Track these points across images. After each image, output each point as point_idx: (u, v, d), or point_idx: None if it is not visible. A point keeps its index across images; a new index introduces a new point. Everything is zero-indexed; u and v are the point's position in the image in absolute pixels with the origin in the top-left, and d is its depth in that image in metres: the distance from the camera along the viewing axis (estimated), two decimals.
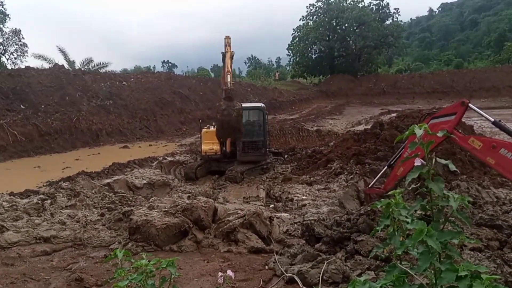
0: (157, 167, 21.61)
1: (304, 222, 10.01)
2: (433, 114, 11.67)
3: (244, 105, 20.50)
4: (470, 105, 10.09)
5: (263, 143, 20.69)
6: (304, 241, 9.12)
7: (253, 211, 10.36)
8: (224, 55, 19.01)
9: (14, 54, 59.90)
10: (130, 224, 10.07)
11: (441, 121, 10.61)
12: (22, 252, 9.75)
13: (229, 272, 5.50)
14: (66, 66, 46.99)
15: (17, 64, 58.13)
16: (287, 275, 7.42)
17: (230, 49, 19.16)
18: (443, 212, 3.74)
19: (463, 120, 21.22)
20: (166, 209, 10.10)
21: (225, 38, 19.25)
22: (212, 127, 20.17)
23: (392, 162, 12.17)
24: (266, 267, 8.27)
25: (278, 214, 12.85)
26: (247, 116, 20.55)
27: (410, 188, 4.00)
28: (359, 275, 6.77)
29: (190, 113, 46.18)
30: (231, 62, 19.43)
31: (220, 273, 5.65)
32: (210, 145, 19.87)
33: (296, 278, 7.13)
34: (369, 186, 13.49)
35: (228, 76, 18.79)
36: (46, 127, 31.22)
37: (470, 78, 69.72)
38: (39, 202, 12.95)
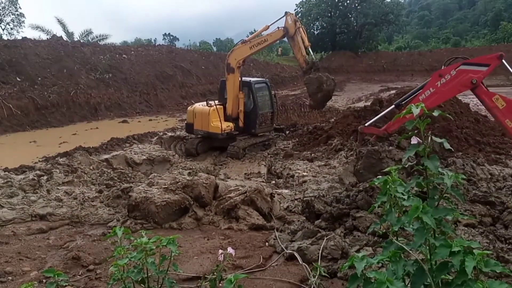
0: (157, 143, 21.55)
1: (305, 198, 10.07)
2: (464, 59, 11.45)
3: (252, 79, 21.22)
4: (503, 61, 10.01)
5: (272, 114, 21.47)
6: (304, 218, 9.17)
7: (254, 187, 10.36)
8: (291, 31, 19.03)
9: (10, 24, 59.00)
10: (129, 201, 9.99)
11: (471, 69, 10.46)
12: (17, 230, 9.62)
13: (230, 250, 5.55)
14: (64, 37, 46.19)
15: (13, 35, 57.31)
16: (287, 251, 7.47)
17: (300, 24, 19.44)
18: (438, 189, 3.82)
19: (459, 97, 21.26)
20: (166, 186, 10.05)
21: (288, 15, 19.24)
22: (212, 103, 20.08)
23: (402, 103, 11.84)
24: (267, 244, 8.30)
25: (279, 191, 12.95)
26: (259, 89, 20.90)
27: (407, 165, 4.06)
28: (357, 251, 6.84)
29: (192, 87, 45.86)
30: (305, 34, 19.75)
31: (220, 251, 5.70)
32: (225, 123, 19.72)
33: (296, 255, 7.19)
34: (366, 124, 13.16)
35: (310, 49, 19.34)
36: (43, 101, 30.84)
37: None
38: (35, 178, 12.67)
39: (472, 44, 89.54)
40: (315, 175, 14.74)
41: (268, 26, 20.08)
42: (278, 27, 19.39)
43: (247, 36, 23.25)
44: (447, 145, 3.86)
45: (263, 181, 14.53)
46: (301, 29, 18.88)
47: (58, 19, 52.38)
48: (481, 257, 3.12)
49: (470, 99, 32.18)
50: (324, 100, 19.56)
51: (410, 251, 3.57)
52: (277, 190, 12.83)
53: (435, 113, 3.88)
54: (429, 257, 3.49)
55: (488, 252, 3.26)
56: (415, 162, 4.07)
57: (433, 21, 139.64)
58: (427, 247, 3.52)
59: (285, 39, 20.52)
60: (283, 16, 19.33)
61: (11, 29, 59.25)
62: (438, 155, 12.39)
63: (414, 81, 59.17)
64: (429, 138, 3.78)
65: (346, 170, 13.85)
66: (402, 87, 35.95)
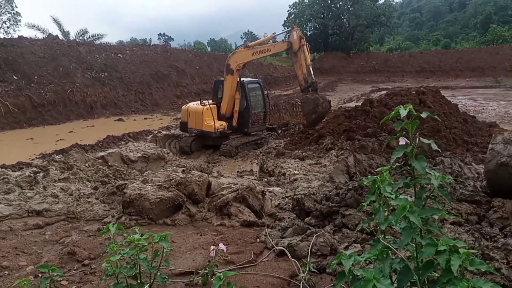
0: (152, 141, 21.71)
1: (295, 196, 10.20)
2: None
3: (245, 79, 21.27)
4: None
5: (265, 114, 21.67)
6: (295, 215, 9.30)
7: (246, 185, 10.50)
8: (295, 46, 18.99)
9: (6, 23, 58.95)
10: (123, 198, 10.12)
11: None
12: (14, 225, 9.71)
13: (221, 246, 5.69)
14: (60, 36, 46.47)
15: (10, 33, 57.33)
16: (277, 248, 7.58)
17: (305, 41, 19.27)
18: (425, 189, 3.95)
19: (448, 98, 21.45)
20: (160, 183, 10.16)
21: (294, 29, 19.18)
22: (206, 102, 20.23)
23: None
24: (258, 240, 8.40)
25: (271, 188, 13.01)
26: (252, 89, 20.98)
27: (394, 166, 4.18)
28: (346, 247, 6.97)
29: (186, 87, 45.95)
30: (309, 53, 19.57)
31: (212, 247, 5.84)
32: (218, 122, 19.89)
33: (286, 251, 7.32)
34: None
35: (311, 68, 19.37)
36: (40, 99, 30.97)
37: (456, 58, 70.26)
38: (32, 175, 12.79)
39: (462, 46, 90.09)
40: (306, 173, 14.87)
41: (274, 36, 20.31)
42: (283, 40, 19.45)
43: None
44: (434, 146, 3.95)
45: (255, 179, 14.65)
46: (305, 47, 18.90)
47: (53, 18, 52.48)
48: (467, 256, 3.22)
49: (459, 99, 32.70)
50: (318, 121, 19.66)
51: (396, 250, 3.67)
52: (268, 188, 12.91)
53: (423, 115, 3.99)
54: (415, 255, 3.62)
55: (473, 251, 3.38)
56: (403, 162, 4.18)
57: (424, 23, 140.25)
58: (414, 246, 3.65)
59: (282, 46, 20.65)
60: (289, 30, 19.43)
61: (8, 27, 59.17)
62: (427, 154, 12.47)
63: (404, 82, 59.67)
64: (417, 139, 3.90)
65: (336, 169, 14.02)
66: (392, 87, 36.30)
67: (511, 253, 5.97)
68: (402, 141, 3.91)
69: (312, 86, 19.07)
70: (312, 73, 19.39)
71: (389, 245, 3.73)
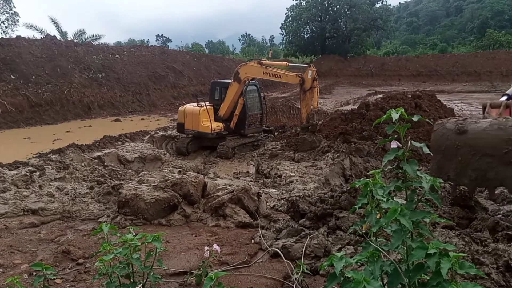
0: (149, 141, 21.70)
1: (290, 198, 10.24)
2: None
3: None
4: None
5: (261, 116, 21.75)
6: (289, 217, 9.34)
7: (242, 186, 10.52)
8: (307, 85, 18.56)
9: (5, 23, 58.97)
10: (119, 198, 10.15)
11: None
12: (9, 224, 9.74)
13: (215, 246, 5.72)
14: (58, 37, 46.39)
15: (8, 33, 57.33)
16: (271, 249, 7.62)
17: (318, 83, 18.85)
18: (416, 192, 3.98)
19: (444, 102, 21.52)
20: (155, 184, 10.17)
21: (310, 68, 18.80)
22: (203, 103, 20.25)
23: None
24: (252, 241, 8.42)
25: (267, 190, 13.09)
26: (249, 91, 20.92)
27: (386, 168, 4.22)
28: (339, 249, 6.98)
29: (183, 88, 46.02)
30: (318, 96, 19.13)
31: (206, 247, 5.88)
32: (215, 123, 19.93)
33: (280, 252, 7.35)
34: None
35: (316, 111, 19.31)
36: (37, 98, 31.00)
37: (453, 63, 70.26)
38: (28, 174, 12.89)
39: (458, 51, 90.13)
40: (302, 175, 14.96)
41: (288, 64, 20.70)
42: (296, 75, 19.21)
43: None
44: (426, 150, 3.96)
45: (251, 181, 14.71)
46: (316, 88, 18.60)
47: (51, 19, 52.48)
48: (456, 259, 3.23)
49: (455, 104, 32.82)
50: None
51: (386, 253, 3.70)
52: (264, 190, 12.98)
53: (415, 118, 4.03)
54: (406, 258, 3.64)
55: (463, 254, 3.38)
56: (394, 165, 4.21)
57: (421, 27, 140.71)
58: (405, 248, 3.69)
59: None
60: (305, 66, 19.25)
61: (6, 27, 59.12)
62: (422, 158, 12.48)
63: (401, 85, 59.79)
64: (409, 142, 3.94)
65: (332, 171, 14.08)
66: (389, 91, 36.45)
67: (501, 258, 5.99)
68: (394, 144, 3.93)
69: (312, 127, 18.90)
70: (316, 115, 19.16)
71: (379, 248, 3.77)
